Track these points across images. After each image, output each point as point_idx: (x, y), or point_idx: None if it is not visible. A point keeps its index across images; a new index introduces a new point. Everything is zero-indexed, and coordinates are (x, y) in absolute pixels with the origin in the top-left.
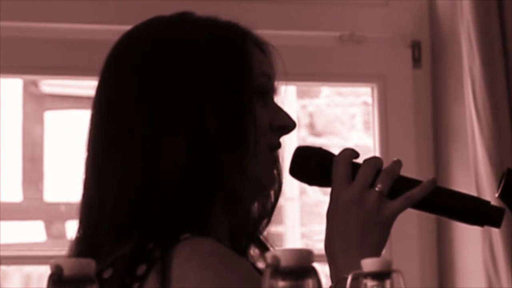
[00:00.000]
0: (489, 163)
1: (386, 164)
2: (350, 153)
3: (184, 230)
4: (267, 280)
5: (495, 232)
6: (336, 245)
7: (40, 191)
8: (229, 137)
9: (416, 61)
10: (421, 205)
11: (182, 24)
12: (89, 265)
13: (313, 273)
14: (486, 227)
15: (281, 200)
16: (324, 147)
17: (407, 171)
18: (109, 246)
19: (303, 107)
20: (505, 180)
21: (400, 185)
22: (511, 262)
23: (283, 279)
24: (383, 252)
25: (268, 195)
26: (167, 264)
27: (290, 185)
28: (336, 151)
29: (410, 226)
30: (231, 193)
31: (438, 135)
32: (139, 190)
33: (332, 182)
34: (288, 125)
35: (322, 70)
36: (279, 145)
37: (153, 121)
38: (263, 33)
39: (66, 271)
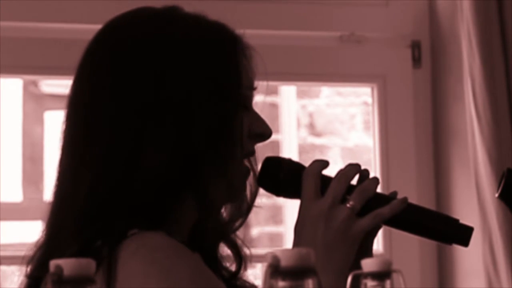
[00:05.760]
0: (489, 163)
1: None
2: (320, 166)
3: (133, 226)
4: (267, 280)
5: (495, 232)
6: None
7: (40, 191)
8: (216, 143)
9: (416, 61)
10: (391, 222)
11: (173, 22)
12: (89, 265)
13: (313, 273)
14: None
15: (280, 201)
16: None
17: (407, 172)
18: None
19: (303, 107)
20: (505, 180)
21: (371, 202)
22: (511, 262)
23: (283, 279)
24: (383, 252)
25: (243, 199)
26: (113, 261)
27: None
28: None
29: None
30: (207, 197)
31: (438, 135)
32: (112, 187)
33: (301, 196)
34: (265, 133)
35: (322, 70)
36: (253, 152)
37: (137, 119)
38: (263, 33)
39: (66, 271)
